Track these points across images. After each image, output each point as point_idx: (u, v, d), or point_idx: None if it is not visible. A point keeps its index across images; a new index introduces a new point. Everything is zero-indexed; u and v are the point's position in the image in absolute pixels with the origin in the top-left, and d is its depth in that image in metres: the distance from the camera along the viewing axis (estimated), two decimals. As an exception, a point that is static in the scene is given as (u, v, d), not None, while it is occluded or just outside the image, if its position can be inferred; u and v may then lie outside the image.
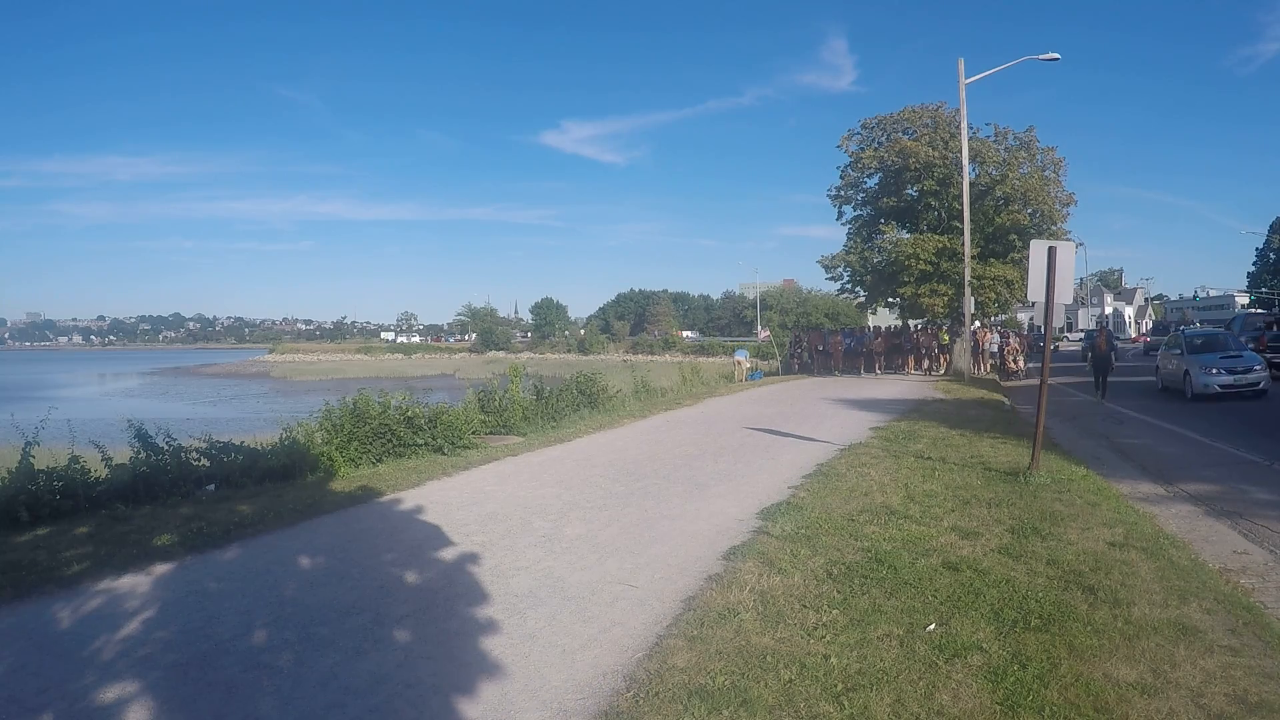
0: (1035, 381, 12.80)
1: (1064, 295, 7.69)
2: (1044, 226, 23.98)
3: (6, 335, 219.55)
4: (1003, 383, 23.42)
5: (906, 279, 24.30)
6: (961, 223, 22.73)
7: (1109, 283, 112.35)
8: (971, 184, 23.15)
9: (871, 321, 39.47)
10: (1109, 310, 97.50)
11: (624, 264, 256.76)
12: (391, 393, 10.52)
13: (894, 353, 26.96)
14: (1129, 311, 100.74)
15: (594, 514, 6.33)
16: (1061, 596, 4.20)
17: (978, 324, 26.96)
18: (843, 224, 27.29)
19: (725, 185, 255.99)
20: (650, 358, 67.28)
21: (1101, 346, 17.32)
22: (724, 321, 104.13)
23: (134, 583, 4.67)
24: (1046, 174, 24.87)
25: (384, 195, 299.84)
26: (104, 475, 7.11)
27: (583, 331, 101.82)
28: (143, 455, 7.52)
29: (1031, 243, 7.85)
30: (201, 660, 3.58)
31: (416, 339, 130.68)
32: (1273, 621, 4.08)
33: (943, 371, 24.97)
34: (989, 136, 25.44)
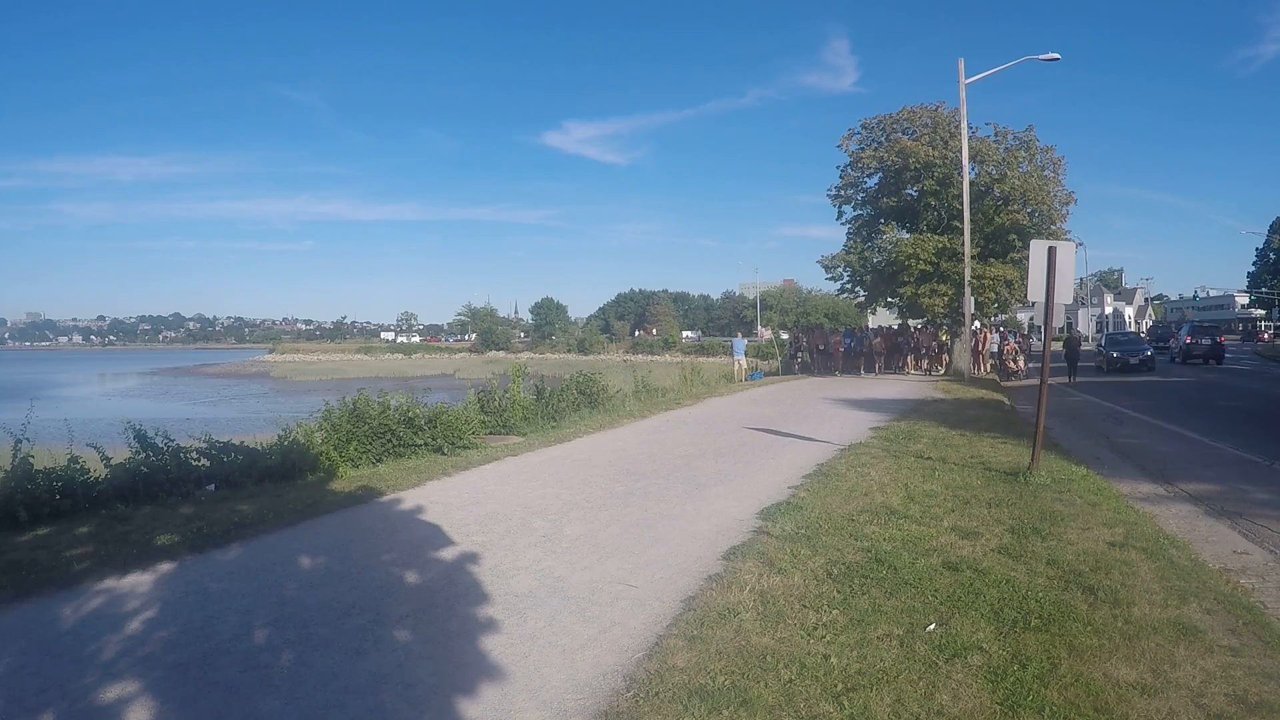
0: (1035, 381, 12.80)
1: (1064, 295, 7.68)
2: (1044, 226, 23.94)
3: (6, 335, 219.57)
4: (1003, 383, 23.44)
5: (906, 279, 24.26)
6: (961, 222, 22.71)
7: (1109, 283, 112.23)
8: (971, 184, 23.11)
9: (871, 321, 39.47)
10: (1109, 310, 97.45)
11: (624, 264, 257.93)
12: (391, 393, 10.53)
13: (894, 353, 26.95)
14: (1129, 311, 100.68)
15: (594, 514, 6.33)
16: (1061, 596, 4.20)
17: (978, 324, 26.95)
18: (843, 224, 27.25)
19: (726, 185, 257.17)
20: (650, 358, 67.31)
21: (1074, 343, 24.96)
22: (724, 321, 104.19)
23: (135, 582, 4.67)
24: (1046, 174, 24.83)
25: (385, 195, 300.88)
26: (104, 475, 7.10)
27: (582, 332, 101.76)
28: (142, 455, 7.51)
29: (1031, 243, 7.84)
30: (202, 660, 3.58)
31: (416, 339, 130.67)
32: (1273, 621, 4.08)
33: (943, 371, 24.97)
34: (989, 136, 25.41)
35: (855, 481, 7.24)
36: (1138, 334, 38.57)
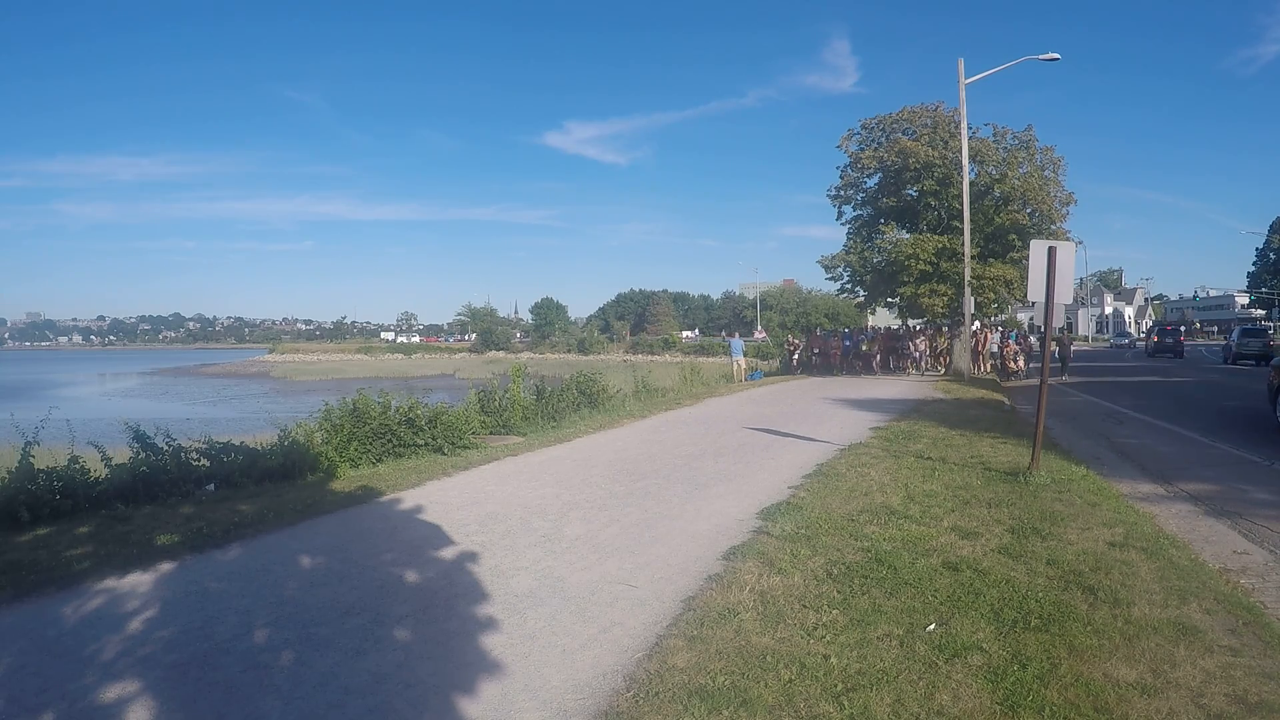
0: (1035, 381, 12.81)
1: (1064, 295, 7.68)
2: (1044, 226, 23.96)
3: (6, 335, 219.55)
4: (1003, 383, 23.44)
5: (906, 279, 24.28)
6: (961, 223, 22.73)
7: (1109, 283, 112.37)
8: (971, 184, 23.13)
9: (871, 321, 39.48)
10: (1109, 310, 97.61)
11: (625, 264, 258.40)
12: (391, 393, 10.53)
13: (894, 353, 26.97)
14: (1129, 311, 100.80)
15: (594, 514, 6.33)
16: (1061, 596, 4.20)
17: (978, 324, 26.95)
18: (842, 224, 27.28)
19: (726, 185, 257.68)
20: (650, 358, 67.30)
21: (1064, 342, 24.44)
22: (724, 321, 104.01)
23: (135, 582, 4.67)
24: (1046, 174, 24.84)
25: (385, 195, 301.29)
26: (104, 475, 7.11)
27: (582, 332, 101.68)
28: (142, 455, 7.52)
29: (1031, 243, 7.85)
30: (202, 660, 3.58)
31: (416, 339, 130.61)
32: (1273, 621, 4.07)
33: (943, 371, 24.97)
34: (988, 136, 25.42)
35: (855, 481, 7.24)
36: None
